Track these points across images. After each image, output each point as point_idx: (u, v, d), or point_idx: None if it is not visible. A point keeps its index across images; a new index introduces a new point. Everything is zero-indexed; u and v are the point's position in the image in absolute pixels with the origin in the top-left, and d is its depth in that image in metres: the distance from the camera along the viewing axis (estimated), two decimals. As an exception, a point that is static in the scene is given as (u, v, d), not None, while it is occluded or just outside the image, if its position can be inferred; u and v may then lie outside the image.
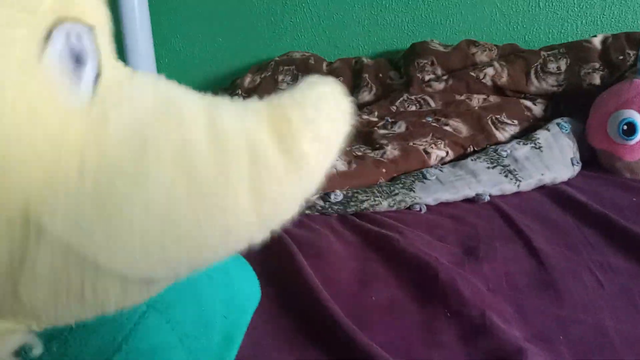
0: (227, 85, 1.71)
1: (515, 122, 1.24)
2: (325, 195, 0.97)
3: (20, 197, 0.28)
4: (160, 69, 1.77)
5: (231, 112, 0.35)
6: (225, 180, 0.33)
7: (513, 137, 1.20)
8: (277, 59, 1.65)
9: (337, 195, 0.96)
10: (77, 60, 0.32)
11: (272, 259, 0.81)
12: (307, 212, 0.96)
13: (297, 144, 0.36)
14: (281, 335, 0.64)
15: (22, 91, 0.28)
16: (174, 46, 1.85)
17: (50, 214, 0.29)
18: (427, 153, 1.12)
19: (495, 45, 1.45)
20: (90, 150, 0.30)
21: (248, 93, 1.57)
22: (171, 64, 1.86)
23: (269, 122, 0.35)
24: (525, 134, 1.17)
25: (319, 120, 0.37)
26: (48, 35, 0.30)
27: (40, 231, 0.29)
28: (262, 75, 1.59)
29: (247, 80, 1.61)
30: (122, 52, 1.64)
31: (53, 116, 0.29)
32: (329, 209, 0.95)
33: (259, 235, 0.38)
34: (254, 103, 0.37)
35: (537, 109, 1.30)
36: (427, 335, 0.62)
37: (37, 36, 0.29)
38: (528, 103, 1.31)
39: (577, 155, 1.13)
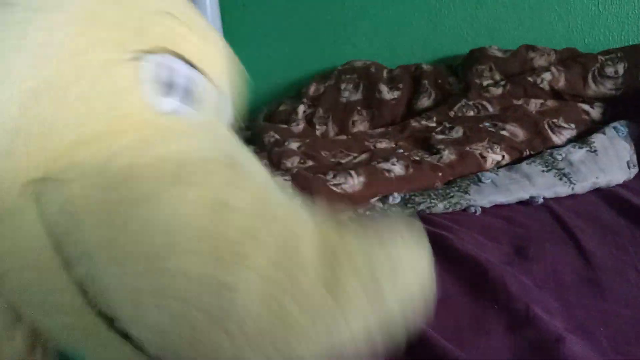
0: (293, 94, 1.81)
1: (572, 125, 1.27)
2: (383, 197, 1.06)
3: None
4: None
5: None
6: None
7: (570, 141, 1.23)
8: (340, 67, 1.74)
9: (395, 198, 1.04)
10: (170, 86, 0.41)
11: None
12: (368, 213, 1.04)
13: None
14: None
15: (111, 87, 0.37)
16: (243, 58, 1.97)
17: None
18: (483, 157, 1.17)
19: (554, 50, 1.48)
20: None
21: (313, 101, 1.67)
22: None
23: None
24: (583, 137, 1.20)
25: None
26: (140, 57, 0.39)
27: None
28: (326, 84, 1.68)
29: (312, 89, 1.71)
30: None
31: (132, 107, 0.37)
32: (388, 211, 1.03)
33: None
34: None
35: (595, 112, 1.32)
36: (476, 325, 0.69)
37: (134, 54, 0.38)
38: (586, 107, 1.34)
39: (634, 159, 1.15)
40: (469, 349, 0.65)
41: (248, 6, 1.91)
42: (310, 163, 1.22)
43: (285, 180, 1.07)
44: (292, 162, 1.21)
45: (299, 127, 1.56)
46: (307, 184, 1.04)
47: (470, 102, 1.44)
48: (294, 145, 1.32)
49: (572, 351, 0.61)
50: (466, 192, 1.06)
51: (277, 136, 1.45)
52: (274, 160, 1.24)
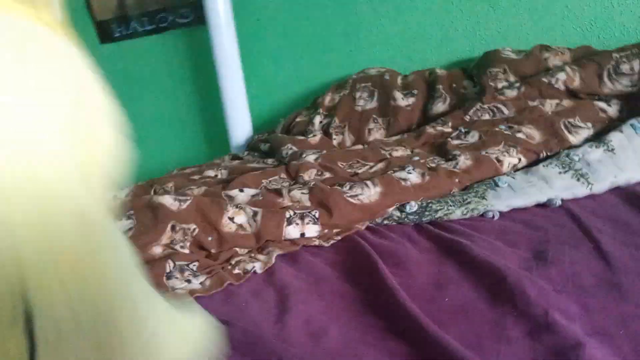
0: (309, 104, 1.83)
1: (589, 124, 1.26)
2: (401, 206, 1.07)
3: None
4: (249, 92, 1.93)
5: None
6: None
7: (587, 140, 1.22)
8: (354, 76, 1.75)
9: (412, 206, 1.05)
10: None
11: (356, 265, 0.92)
12: (385, 222, 1.05)
13: None
14: (366, 329, 0.75)
15: None
16: (260, 71, 2.00)
17: None
18: (500, 161, 1.18)
19: (568, 49, 1.47)
20: None
21: (329, 111, 1.68)
22: (259, 87, 2.01)
23: None
24: (601, 136, 1.19)
25: None
26: None
27: None
28: (341, 94, 1.70)
29: (327, 98, 1.72)
30: (214, 78, 1.82)
31: None
32: (405, 219, 1.04)
33: None
34: None
35: (612, 110, 1.31)
36: (495, 331, 0.70)
37: None
38: (602, 105, 1.33)
39: (654, 155, 1.14)
40: (488, 356, 0.65)
41: (262, 20, 1.94)
42: (327, 175, 1.23)
43: (303, 193, 1.09)
44: (310, 175, 1.23)
45: (316, 137, 1.58)
46: (324, 197, 1.05)
47: (486, 106, 1.44)
48: (311, 157, 1.34)
49: (592, 356, 0.61)
50: (483, 197, 1.06)
51: (294, 148, 1.47)
52: (291, 173, 1.26)
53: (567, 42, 1.53)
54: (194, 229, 0.96)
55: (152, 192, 1.21)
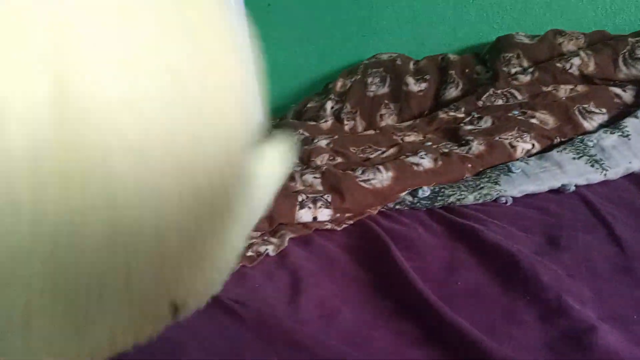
0: (320, 90, 1.83)
1: (604, 110, 1.25)
2: (413, 191, 1.07)
3: None
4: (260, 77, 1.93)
5: None
6: None
7: (601, 126, 1.21)
8: (366, 61, 1.75)
9: (425, 191, 1.05)
10: None
11: (368, 248, 0.92)
12: (397, 207, 1.06)
13: None
14: (378, 311, 0.75)
15: None
16: (270, 56, 2.00)
17: None
18: (513, 146, 1.17)
19: (583, 34, 1.46)
20: None
21: (340, 97, 1.68)
22: (269, 72, 2.00)
23: None
24: (616, 122, 1.18)
25: None
26: None
27: None
28: (353, 79, 1.69)
29: (339, 84, 1.72)
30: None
31: None
32: (418, 204, 1.04)
33: None
34: None
35: (628, 95, 1.30)
36: (507, 315, 0.70)
37: None
38: (617, 90, 1.31)
39: (669, 141, 1.13)
40: (501, 339, 0.66)
41: (273, 5, 1.93)
42: (339, 159, 1.23)
43: (315, 178, 1.09)
44: (322, 160, 1.23)
45: (327, 123, 1.58)
46: (336, 182, 1.06)
47: (499, 91, 1.43)
48: (323, 142, 1.34)
49: (605, 340, 0.61)
50: (496, 183, 1.06)
51: (306, 133, 1.47)
52: (303, 158, 1.26)
53: (582, 27, 1.52)
54: (208, 212, 0.97)
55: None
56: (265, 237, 0.99)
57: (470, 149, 1.17)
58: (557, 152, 1.11)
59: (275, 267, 0.91)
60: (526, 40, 1.51)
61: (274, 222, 1.00)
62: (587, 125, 1.22)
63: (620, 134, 1.12)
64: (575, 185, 1.04)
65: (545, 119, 1.26)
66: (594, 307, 0.69)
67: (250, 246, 0.95)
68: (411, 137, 1.34)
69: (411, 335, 0.70)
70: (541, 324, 0.67)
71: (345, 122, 1.61)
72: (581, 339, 0.63)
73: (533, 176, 1.06)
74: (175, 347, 0.70)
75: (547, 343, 0.64)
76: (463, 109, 1.43)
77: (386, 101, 1.62)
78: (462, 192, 1.04)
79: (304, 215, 1.01)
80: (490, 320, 0.70)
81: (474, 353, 0.63)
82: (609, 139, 1.11)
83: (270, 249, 0.94)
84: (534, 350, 0.64)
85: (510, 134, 1.21)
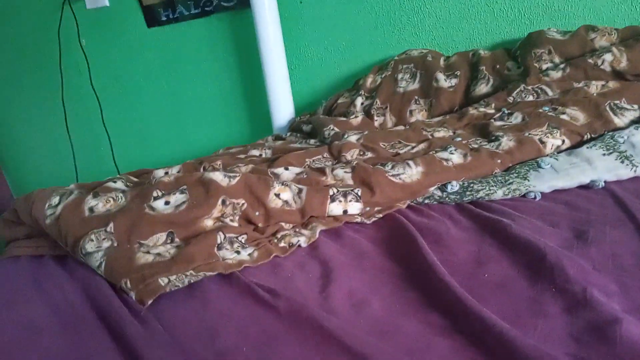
0: (350, 86, 1.85)
1: (635, 106, 1.24)
2: (442, 186, 1.09)
3: None
4: (292, 75, 1.96)
5: None
6: None
7: (632, 122, 1.21)
8: (397, 58, 1.76)
9: (454, 186, 1.07)
10: None
11: (396, 241, 0.95)
12: (427, 201, 1.08)
13: None
14: (407, 302, 0.78)
15: None
16: (303, 54, 2.03)
17: None
18: (543, 142, 1.18)
19: (615, 29, 1.44)
20: None
21: (370, 93, 1.70)
22: (301, 70, 2.04)
23: None
24: (648, 118, 1.18)
25: None
26: None
27: None
28: (383, 75, 1.71)
29: (369, 80, 1.74)
30: (257, 61, 1.86)
31: None
32: (447, 199, 1.06)
33: None
34: None
35: (661, 91, 1.29)
36: (533, 307, 0.72)
37: None
38: (650, 86, 1.30)
39: (703, 138, 1.12)
40: (526, 329, 0.68)
41: (305, 2, 1.96)
42: (369, 155, 1.26)
43: (346, 172, 1.12)
44: (352, 155, 1.26)
45: (358, 119, 1.60)
46: (366, 176, 1.08)
47: (529, 87, 1.44)
48: (353, 137, 1.37)
49: (629, 332, 0.63)
50: (525, 178, 1.07)
51: (336, 129, 1.50)
52: (334, 153, 1.29)
53: (615, 23, 1.50)
54: (243, 204, 1.01)
55: (201, 169, 1.26)
56: (297, 229, 1.02)
57: (500, 144, 1.18)
58: (587, 147, 1.12)
59: (306, 258, 0.94)
60: (558, 36, 1.51)
61: (305, 214, 1.03)
62: (618, 121, 1.22)
63: (652, 130, 1.12)
64: (605, 181, 1.04)
65: (575, 115, 1.26)
66: (619, 300, 0.71)
67: (282, 237, 0.98)
68: (441, 133, 1.36)
69: (438, 325, 0.72)
70: (566, 315, 0.69)
71: (376, 118, 1.63)
72: (605, 331, 0.64)
73: (562, 172, 1.07)
74: (211, 332, 0.74)
75: (571, 334, 0.66)
76: (493, 105, 1.44)
77: (416, 97, 1.63)
78: (491, 187, 1.06)
79: (335, 208, 1.04)
80: (516, 312, 0.72)
81: (499, 343, 0.65)
82: (640, 135, 1.11)
83: (302, 241, 0.97)
84: (558, 340, 0.66)
85: (540, 130, 1.21)
